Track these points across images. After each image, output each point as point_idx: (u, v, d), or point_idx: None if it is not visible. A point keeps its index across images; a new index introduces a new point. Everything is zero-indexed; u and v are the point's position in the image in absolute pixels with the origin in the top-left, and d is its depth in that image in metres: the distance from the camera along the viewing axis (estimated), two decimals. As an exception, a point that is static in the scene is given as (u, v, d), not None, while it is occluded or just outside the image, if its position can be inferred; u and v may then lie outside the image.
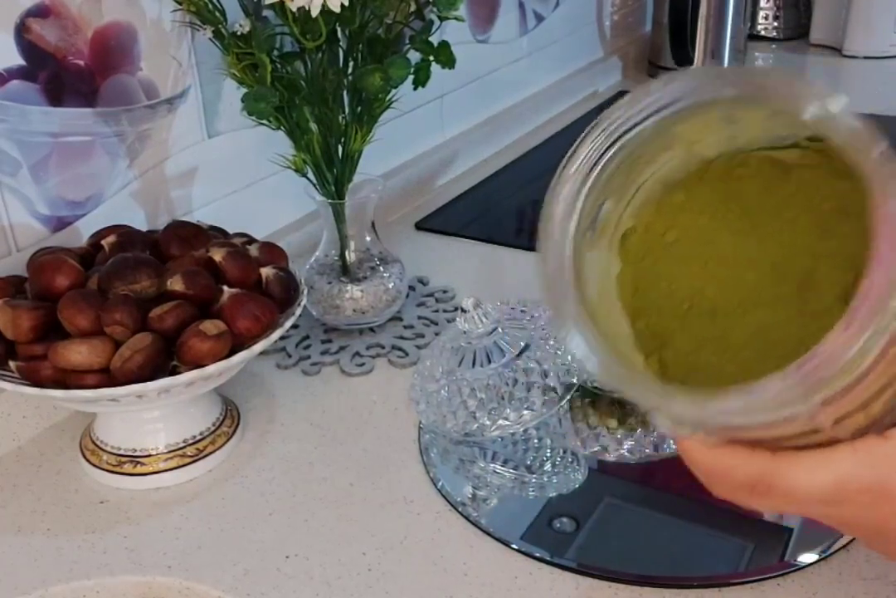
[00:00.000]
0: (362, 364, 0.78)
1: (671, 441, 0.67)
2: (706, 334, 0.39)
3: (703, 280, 0.39)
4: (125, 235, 0.66)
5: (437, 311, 0.86)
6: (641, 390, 0.35)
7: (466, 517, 0.60)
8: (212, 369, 0.59)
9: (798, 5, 1.74)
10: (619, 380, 0.36)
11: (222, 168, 0.85)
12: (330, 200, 0.77)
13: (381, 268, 0.81)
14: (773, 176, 0.38)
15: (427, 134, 1.14)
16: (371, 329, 0.83)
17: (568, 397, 0.61)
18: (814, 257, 0.37)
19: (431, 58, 0.75)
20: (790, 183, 0.38)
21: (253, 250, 0.68)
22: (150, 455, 0.65)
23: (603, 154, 0.37)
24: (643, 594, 0.54)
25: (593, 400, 0.71)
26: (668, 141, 0.38)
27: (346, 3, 0.64)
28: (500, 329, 0.64)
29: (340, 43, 0.72)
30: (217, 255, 0.64)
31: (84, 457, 0.66)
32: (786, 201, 0.38)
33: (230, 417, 0.69)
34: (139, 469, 0.65)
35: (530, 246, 1.15)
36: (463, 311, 0.64)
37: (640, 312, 0.40)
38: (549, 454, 0.66)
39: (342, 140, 0.75)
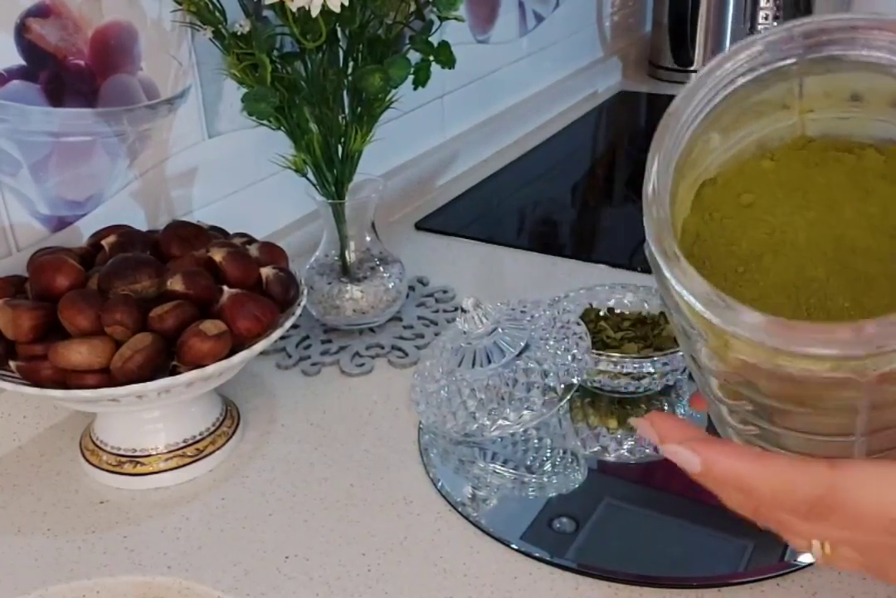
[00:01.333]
0: (362, 364, 0.78)
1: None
2: (750, 299, 0.37)
3: (765, 249, 0.37)
4: (125, 235, 0.66)
5: (436, 311, 0.86)
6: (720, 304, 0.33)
7: (466, 518, 0.60)
8: (212, 369, 0.59)
9: (798, 5, 1.74)
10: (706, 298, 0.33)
11: (222, 168, 0.85)
12: (330, 201, 0.77)
13: (381, 268, 0.81)
14: (866, 170, 0.38)
15: (427, 134, 1.14)
16: (371, 329, 0.83)
17: (568, 397, 0.61)
18: (881, 262, 0.35)
19: (431, 58, 0.75)
20: (881, 180, 0.37)
21: (253, 250, 0.68)
22: (150, 455, 0.65)
23: (738, 77, 0.36)
24: (643, 594, 0.54)
25: (593, 400, 0.71)
26: (789, 99, 0.38)
27: (346, 3, 0.64)
28: (499, 329, 0.64)
29: (340, 43, 0.72)
30: (217, 255, 0.64)
31: (84, 457, 0.66)
32: (870, 197, 0.37)
33: (230, 417, 0.69)
34: (139, 469, 0.65)
35: (530, 246, 1.15)
36: (463, 311, 0.64)
37: (693, 260, 0.38)
38: (549, 454, 0.66)
39: (342, 140, 0.75)
